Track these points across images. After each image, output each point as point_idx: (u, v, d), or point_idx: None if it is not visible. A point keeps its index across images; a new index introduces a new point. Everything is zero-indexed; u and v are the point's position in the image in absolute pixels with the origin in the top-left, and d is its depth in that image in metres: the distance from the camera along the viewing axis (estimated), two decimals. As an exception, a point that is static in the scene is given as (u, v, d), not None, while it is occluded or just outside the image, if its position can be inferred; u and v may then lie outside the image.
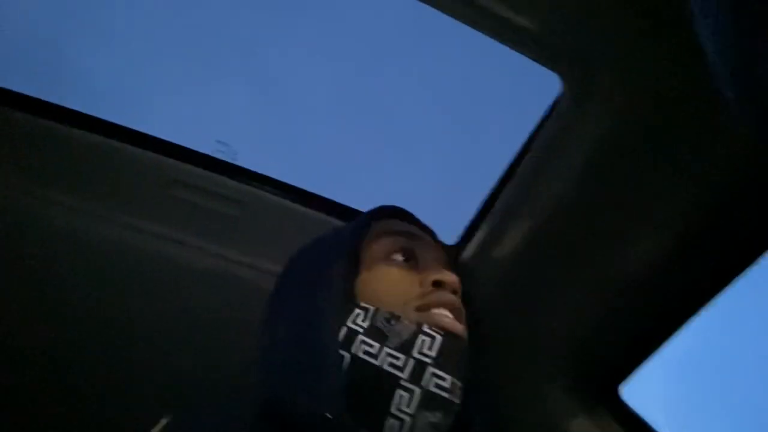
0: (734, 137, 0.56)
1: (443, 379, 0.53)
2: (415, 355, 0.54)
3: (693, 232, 0.64)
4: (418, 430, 0.51)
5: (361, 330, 0.55)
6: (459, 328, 0.57)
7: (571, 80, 0.64)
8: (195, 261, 1.00)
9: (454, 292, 0.60)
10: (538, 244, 0.76)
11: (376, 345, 0.54)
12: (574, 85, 0.64)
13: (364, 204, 1.00)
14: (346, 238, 0.64)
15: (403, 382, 0.52)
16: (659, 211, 0.65)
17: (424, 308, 0.57)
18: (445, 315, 0.57)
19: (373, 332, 0.55)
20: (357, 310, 0.57)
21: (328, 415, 0.50)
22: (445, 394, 0.52)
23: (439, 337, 0.55)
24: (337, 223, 0.95)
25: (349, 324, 0.56)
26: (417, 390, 0.52)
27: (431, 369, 0.53)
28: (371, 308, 0.57)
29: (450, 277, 0.60)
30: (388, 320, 0.56)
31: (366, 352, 0.54)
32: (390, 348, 0.54)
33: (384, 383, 0.53)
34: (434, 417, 0.52)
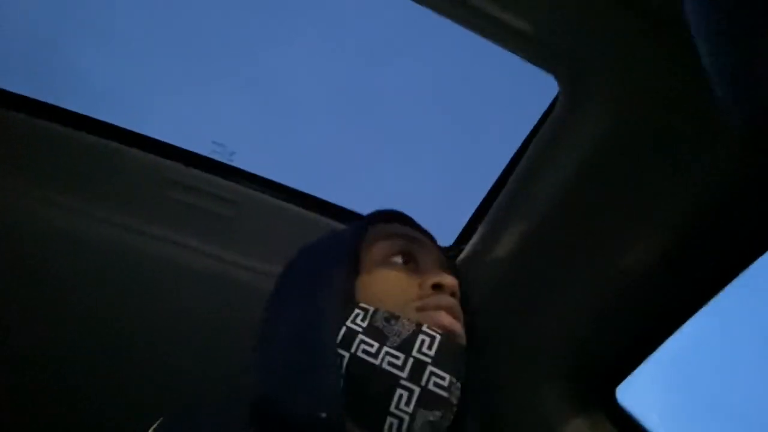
0: (732, 137, 0.56)
1: (442, 378, 0.53)
2: (415, 354, 0.54)
3: (690, 233, 0.64)
4: (416, 428, 0.52)
5: (360, 330, 0.56)
6: (458, 327, 0.58)
7: (568, 81, 0.64)
8: (191, 261, 1.00)
9: (453, 294, 0.60)
10: (536, 245, 0.76)
11: (376, 344, 0.54)
12: (570, 86, 0.65)
13: (360, 205, 1.01)
14: (346, 240, 0.64)
15: (402, 381, 0.53)
16: (656, 213, 0.65)
17: (423, 310, 0.58)
18: (444, 316, 0.57)
19: (373, 332, 0.55)
20: (356, 311, 0.57)
21: (323, 415, 0.50)
22: (443, 393, 0.52)
23: (438, 337, 0.55)
24: (333, 224, 0.96)
25: (349, 324, 0.56)
26: (416, 389, 0.52)
27: (430, 368, 0.53)
28: (371, 308, 0.57)
29: (449, 280, 0.60)
30: (387, 320, 0.56)
31: (365, 352, 0.54)
32: (389, 347, 0.54)
33: (384, 382, 0.53)
34: (433, 416, 0.52)
